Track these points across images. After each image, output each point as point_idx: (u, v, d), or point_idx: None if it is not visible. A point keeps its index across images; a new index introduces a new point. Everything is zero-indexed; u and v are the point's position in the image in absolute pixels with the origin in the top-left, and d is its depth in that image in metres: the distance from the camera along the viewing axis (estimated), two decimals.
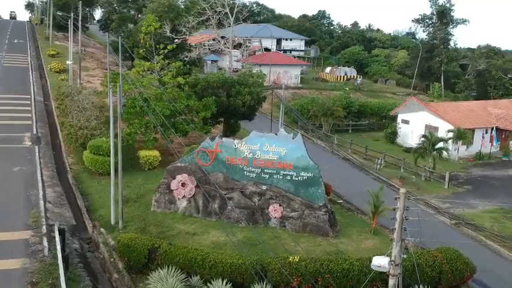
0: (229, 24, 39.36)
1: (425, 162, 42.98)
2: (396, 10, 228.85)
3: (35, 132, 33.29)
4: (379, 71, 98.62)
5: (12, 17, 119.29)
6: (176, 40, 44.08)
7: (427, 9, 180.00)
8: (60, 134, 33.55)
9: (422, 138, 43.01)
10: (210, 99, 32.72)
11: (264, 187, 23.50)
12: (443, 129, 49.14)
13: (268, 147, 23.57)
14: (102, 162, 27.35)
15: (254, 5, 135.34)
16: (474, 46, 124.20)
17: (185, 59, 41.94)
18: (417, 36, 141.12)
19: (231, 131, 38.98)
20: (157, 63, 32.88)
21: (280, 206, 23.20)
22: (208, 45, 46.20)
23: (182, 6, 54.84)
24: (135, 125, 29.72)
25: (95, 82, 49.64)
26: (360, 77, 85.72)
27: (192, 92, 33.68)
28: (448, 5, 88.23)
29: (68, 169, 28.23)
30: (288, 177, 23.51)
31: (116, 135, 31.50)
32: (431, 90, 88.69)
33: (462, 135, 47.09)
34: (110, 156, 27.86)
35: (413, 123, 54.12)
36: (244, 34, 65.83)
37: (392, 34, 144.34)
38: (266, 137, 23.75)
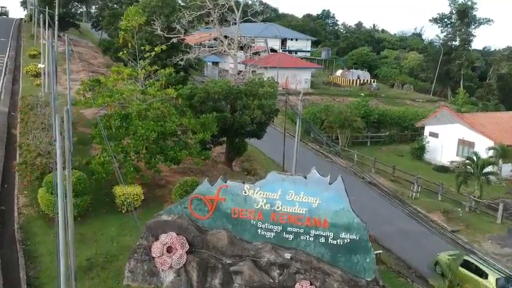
0: (235, 20, 31.93)
1: (467, 187, 35.77)
2: (399, 10, 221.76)
3: None
4: (389, 74, 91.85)
5: (3, 13, 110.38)
6: (174, 40, 36.84)
7: (432, 10, 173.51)
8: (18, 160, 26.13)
9: (467, 160, 35.72)
10: (209, 116, 25.42)
11: (287, 255, 16.18)
12: (481, 145, 42.16)
13: (293, 196, 16.30)
14: None
15: (257, 3, 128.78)
16: (480, 47, 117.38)
17: (180, 62, 34.54)
18: (423, 37, 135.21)
19: (236, 152, 31.71)
20: (141, 69, 25.45)
21: (311, 284, 15.84)
22: (208, 46, 38.94)
23: (179, 1, 47.67)
24: (111, 151, 22.33)
25: (76, 88, 42.18)
26: (374, 81, 78.48)
27: (187, 107, 26.37)
28: (469, 3, 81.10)
29: (16, 214, 20.81)
30: (322, 240, 16.24)
31: (87, 163, 24.41)
32: (450, 96, 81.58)
33: (506, 154, 40.12)
34: (73, 196, 20.71)
35: (444, 137, 47.12)
36: (247, 33, 58.89)
37: (397, 35, 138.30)
38: (290, 181, 16.43)
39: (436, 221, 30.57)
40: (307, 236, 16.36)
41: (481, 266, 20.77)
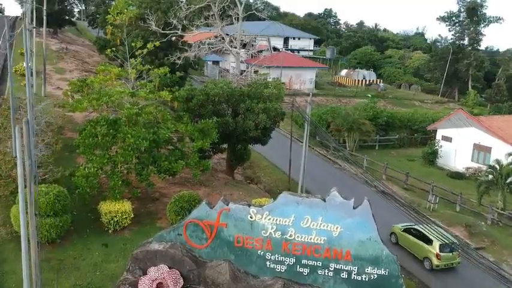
0: (237, 15, 29.14)
1: (488, 197, 32.98)
2: (401, 9, 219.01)
3: None
4: (393, 74, 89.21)
5: None
6: (174, 37, 34.10)
7: (434, 9, 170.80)
8: None
9: (489, 169, 32.91)
10: (209, 121, 22.64)
11: None
12: (499, 150, 39.33)
13: (309, 222, 13.55)
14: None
15: (258, 2, 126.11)
16: (483, 47, 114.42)
17: (178, 61, 31.78)
18: (426, 37, 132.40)
19: (238, 160, 28.94)
20: (132, 68, 22.64)
21: None
22: (209, 45, 36.08)
23: None
24: (96, 162, 19.59)
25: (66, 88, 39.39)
26: (381, 82, 75.71)
27: (184, 110, 23.59)
28: (479, 1, 78.32)
29: None
30: (344, 275, 13.50)
31: (70, 174, 21.65)
32: (457, 97, 78.86)
33: None
34: (51, 216, 18.00)
35: (458, 141, 44.31)
36: (249, 31, 56.28)
37: (399, 34, 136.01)
38: (306, 205, 13.65)
39: (458, 236, 27.79)
40: (326, 271, 13.64)
41: (427, 234, 23.45)
